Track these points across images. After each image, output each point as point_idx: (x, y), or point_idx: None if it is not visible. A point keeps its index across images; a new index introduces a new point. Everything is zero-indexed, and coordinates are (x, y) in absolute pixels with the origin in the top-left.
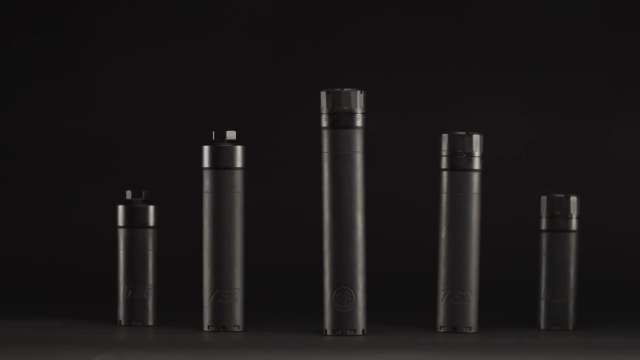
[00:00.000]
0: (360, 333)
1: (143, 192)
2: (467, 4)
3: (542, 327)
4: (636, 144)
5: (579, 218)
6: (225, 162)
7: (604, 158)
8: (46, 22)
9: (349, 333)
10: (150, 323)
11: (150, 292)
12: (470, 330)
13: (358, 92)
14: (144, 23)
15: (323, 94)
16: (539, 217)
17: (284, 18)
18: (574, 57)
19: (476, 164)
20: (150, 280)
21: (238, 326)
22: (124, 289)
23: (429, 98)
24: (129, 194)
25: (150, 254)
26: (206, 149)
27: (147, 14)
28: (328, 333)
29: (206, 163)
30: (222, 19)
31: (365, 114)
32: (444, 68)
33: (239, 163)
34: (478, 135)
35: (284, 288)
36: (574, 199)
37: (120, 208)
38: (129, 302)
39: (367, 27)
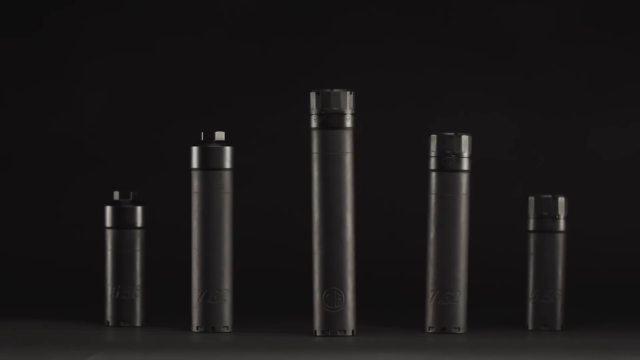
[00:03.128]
0: (350, 333)
1: (131, 193)
2: (453, 5)
3: (530, 327)
4: (621, 144)
5: (566, 219)
6: (214, 162)
7: (589, 158)
8: (28, 23)
9: (338, 334)
10: (138, 324)
11: (138, 292)
12: (459, 330)
13: (347, 92)
14: (127, 24)
15: (312, 95)
16: (527, 218)
17: (268, 17)
18: (558, 58)
19: (465, 164)
20: (138, 281)
21: (227, 327)
22: (112, 289)
23: (414, 98)
24: (116, 195)
25: (138, 254)
26: (195, 149)
27: (131, 15)
28: (318, 334)
29: (195, 164)
30: (206, 19)
31: (354, 115)
32: (430, 69)
33: (227, 164)
34: (467, 136)
35: (272, 289)
36: (561, 200)
37: (108, 209)
38: (117, 302)
39: (353, 27)
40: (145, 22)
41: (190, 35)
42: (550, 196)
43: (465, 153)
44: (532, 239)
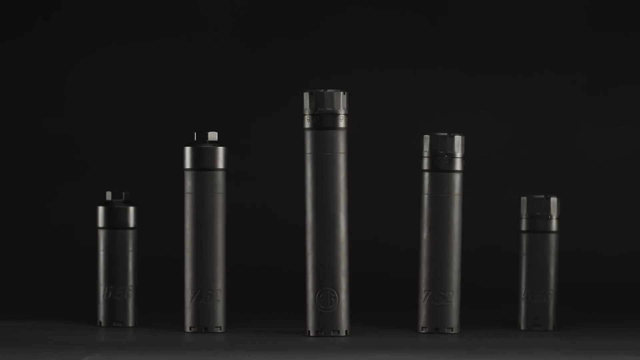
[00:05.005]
0: (344, 334)
1: (123, 193)
2: (444, 5)
3: (523, 327)
4: (613, 144)
5: (559, 219)
6: (207, 163)
7: (580, 158)
8: (17, 23)
9: (332, 334)
10: (131, 324)
11: (131, 293)
12: (452, 331)
13: (341, 93)
14: (117, 23)
15: (306, 95)
16: (519, 218)
17: (258, 17)
18: (548, 58)
19: (457, 164)
20: (131, 282)
21: (220, 327)
22: (104, 290)
23: (405, 98)
24: (109, 195)
25: (131, 255)
26: (188, 149)
27: (121, 14)
28: (311, 334)
29: (188, 164)
30: (198, 19)
31: (347, 115)
32: (420, 68)
33: (220, 164)
34: (460, 136)
35: (265, 289)
36: (554, 200)
37: (101, 209)
38: (109, 303)
39: (342, 27)
40: (136, 22)
41: (182, 34)
42: (542, 196)
43: (458, 153)
44: (524, 239)
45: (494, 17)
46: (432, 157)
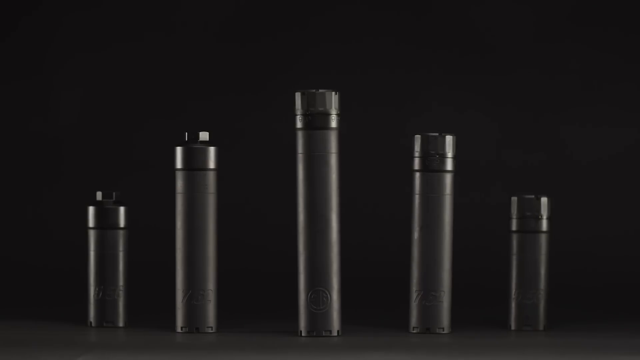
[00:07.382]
0: (335, 334)
1: (113, 193)
2: (432, 5)
3: (513, 327)
4: (602, 144)
5: (549, 219)
6: (198, 163)
7: (571, 158)
8: (3, 23)
9: (324, 334)
10: (121, 324)
11: (121, 293)
12: (443, 331)
13: (333, 93)
14: (104, 23)
15: (298, 95)
16: (510, 218)
17: (246, 16)
18: (536, 57)
19: (449, 165)
20: (121, 282)
21: (211, 327)
22: (95, 290)
23: (395, 98)
24: (99, 195)
25: (121, 255)
26: (179, 149)
27: (107, 14)
28: (303, 334)
29: (179, 164)
30: (184, 17)
31: (339, 115)
32: (410, 68)
33: (212, 164)
34: (451, 137)
35: (257, 289)
36: (544, 200)
37: (91, 209)
38: (100, 303)
39: (330, 26)
40: (121, 21)
41: (169, 34)
42: (533, 196)
43: (449, 153)
44: (514, 239)
45: (482, 17)
46: (423, 157)
